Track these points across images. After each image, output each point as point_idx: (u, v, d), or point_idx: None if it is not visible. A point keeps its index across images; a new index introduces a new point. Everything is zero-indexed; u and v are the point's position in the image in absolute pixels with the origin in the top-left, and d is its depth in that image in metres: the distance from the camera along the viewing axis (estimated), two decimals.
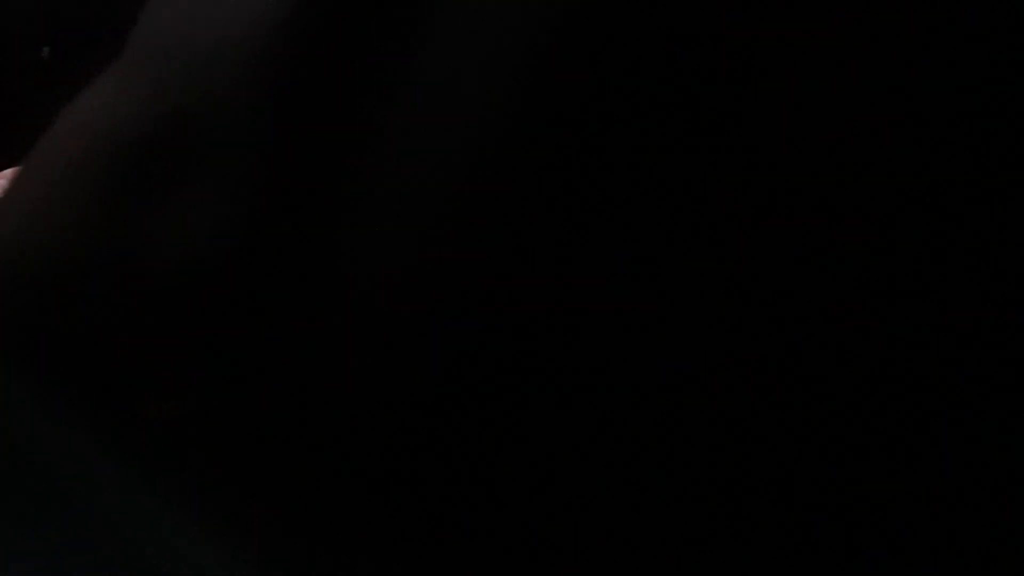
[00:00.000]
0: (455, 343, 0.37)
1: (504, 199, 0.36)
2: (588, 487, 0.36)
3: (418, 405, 0.37)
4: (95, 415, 0.41)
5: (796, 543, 0.35)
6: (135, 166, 0.40)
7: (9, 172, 0.72)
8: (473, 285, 0.36)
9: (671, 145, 0.35)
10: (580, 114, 0.35)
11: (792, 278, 0.35)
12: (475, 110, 0.36)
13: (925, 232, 0.34)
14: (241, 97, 0.39)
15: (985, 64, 0.34)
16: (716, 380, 0.35)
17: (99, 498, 0.39)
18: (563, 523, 0.36)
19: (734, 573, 0.35)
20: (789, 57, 0.34)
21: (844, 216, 0.34)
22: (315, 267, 0.38)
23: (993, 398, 0.34)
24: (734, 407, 0.35)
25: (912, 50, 0.34)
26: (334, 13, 0.38)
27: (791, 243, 0.35)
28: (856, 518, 0.35)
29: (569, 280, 0.36)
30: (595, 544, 0.36)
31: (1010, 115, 0.33)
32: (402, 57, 0.37)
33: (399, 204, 0.37)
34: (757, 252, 0.35)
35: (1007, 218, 0.34)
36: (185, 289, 0.40)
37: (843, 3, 0.34)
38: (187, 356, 0.40)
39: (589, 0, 0.35)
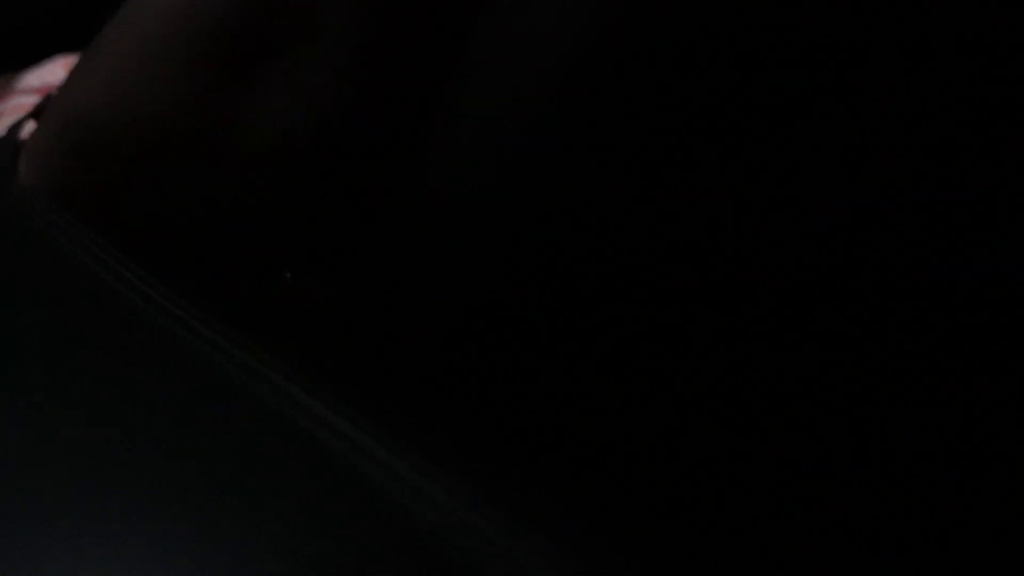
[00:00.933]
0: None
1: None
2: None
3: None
4: (213, 301, 0.39)
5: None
6: (231, 36, 0.40)
7: (64, 59, 0.70)
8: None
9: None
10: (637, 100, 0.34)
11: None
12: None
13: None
14: None
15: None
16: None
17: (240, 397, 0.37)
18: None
19: None
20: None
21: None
22: (398, 163, 0.38)
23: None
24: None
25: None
26: None
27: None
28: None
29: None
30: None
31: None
32: None
33: (482, 125, 0.36)
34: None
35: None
36: (287, 164, 0.39)
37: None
38: (303, 234, 0.39)
39: None
